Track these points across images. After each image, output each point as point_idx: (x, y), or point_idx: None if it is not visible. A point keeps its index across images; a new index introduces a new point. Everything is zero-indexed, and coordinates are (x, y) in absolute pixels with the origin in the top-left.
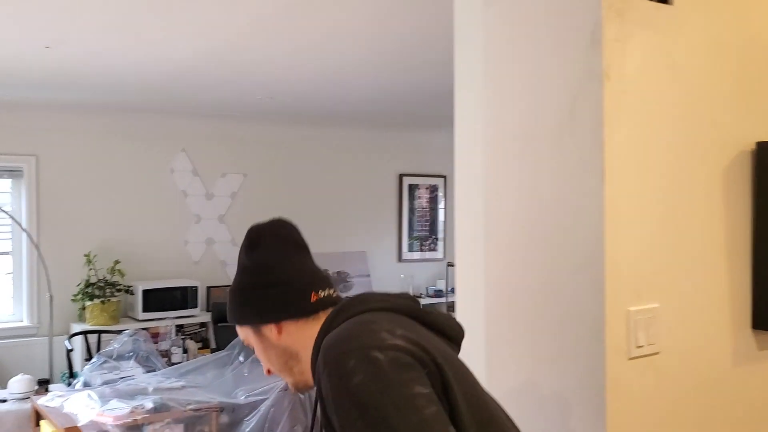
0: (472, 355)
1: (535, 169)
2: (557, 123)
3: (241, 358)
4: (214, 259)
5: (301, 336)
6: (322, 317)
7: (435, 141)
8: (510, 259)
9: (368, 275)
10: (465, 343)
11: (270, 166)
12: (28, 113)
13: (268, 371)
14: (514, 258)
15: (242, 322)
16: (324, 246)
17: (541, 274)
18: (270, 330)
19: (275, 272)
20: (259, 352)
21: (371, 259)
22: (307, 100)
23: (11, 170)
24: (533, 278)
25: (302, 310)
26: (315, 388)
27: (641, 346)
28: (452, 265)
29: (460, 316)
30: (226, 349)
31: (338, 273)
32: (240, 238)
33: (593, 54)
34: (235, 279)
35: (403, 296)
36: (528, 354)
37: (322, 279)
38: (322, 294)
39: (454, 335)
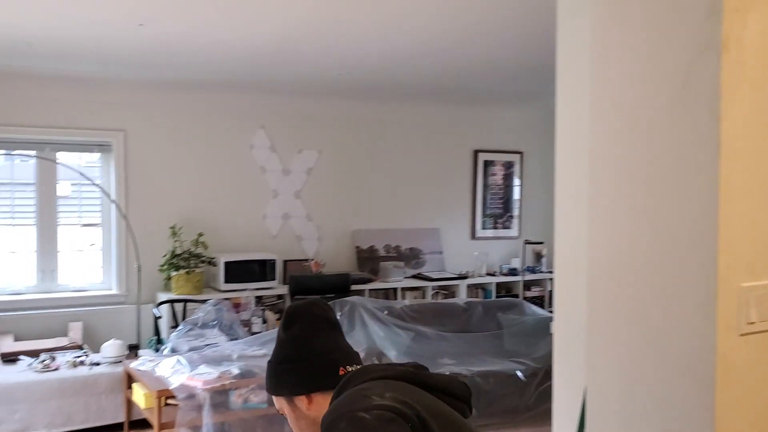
0: (570, 327)
1: (646, 143)
2: (670, 96)
3: None
4: (290, 233)
5: (322, 407)
6: (328, 394)
7: (512, 117)
8: (615, 232)
9: (441, 252)
10: (563, 318)
11: (345, 142)
12: (117, 90)
13: None
14: (620, 232)
15: (277, 393)
16: (397, 222)
17: (649, 248)
18: (301, 401)
19: (307, 348)
20: (291, 422)
21: (444, 236)
22: (384, 76)
23: (101, 145)
24: (640, 252)
25: (331, 384)
26: None
27: (753, 323)
28: (530, 243)
29: (559, 292)
30: None
31: (411, 250)
32: (314, 214)
33: (711, 24)
34: (273, 352)
35: (407, 365)
36: (633, 328)
37: (350, 355)
38: (349, 369)
39: (459, 393)
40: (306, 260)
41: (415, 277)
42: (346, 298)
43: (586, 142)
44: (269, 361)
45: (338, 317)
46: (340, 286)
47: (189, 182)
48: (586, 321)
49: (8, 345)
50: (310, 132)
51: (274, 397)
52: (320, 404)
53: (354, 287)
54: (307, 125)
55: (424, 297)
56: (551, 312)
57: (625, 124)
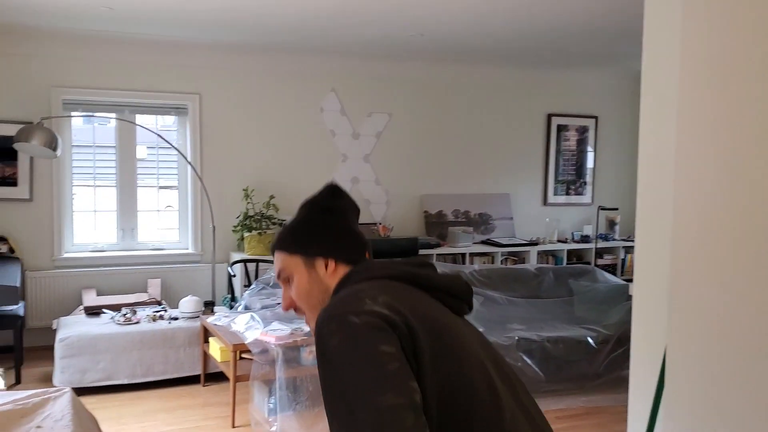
0: (651, 290)
1: (738, 101)
2: (766, 50)
3: None
4: (358, 197)
5: (339, 273)
6: (342, 268)
7: (587, 80)
8: (702, 193)
9: (511, 218)
10: (644, 280)
11: (415, 105)
12: (193, 53)
13: (288, 307)
14: (707, 192)
15: (299, 251)
16: (466, 187)
17: (737, 208)
18: (322, 265)
19: (345, 221)
20: (298, 285)
21: (515, 202)
22: (457, 37)
23: (177, 107)
24: (728, 212)
25: (354, 260)
26: None
27: None
28: (605, 209)
29: (639, 254)
30: None
31: (480, 215)
32: (383, 178)
33: None
34: (304, 214)
35: (410, 263)
36: (718, 290)
37: (370, 246)
38: (368, 257)
39: (459, 293)
40: (374, 224)
41: (484, 242)
42: None
43: (672, 103)
44: (295, 221)
45: None
46: (409, 250)
47: (260, 145)
48: (668, 283)
49: (92, 299)
50: (380, 95)
51: (283, 255)
52: (338, 275)
53: (422, 252)
54: (377, 88)
55: (492, 263)
56: (625, 280)
57: (717, 80)
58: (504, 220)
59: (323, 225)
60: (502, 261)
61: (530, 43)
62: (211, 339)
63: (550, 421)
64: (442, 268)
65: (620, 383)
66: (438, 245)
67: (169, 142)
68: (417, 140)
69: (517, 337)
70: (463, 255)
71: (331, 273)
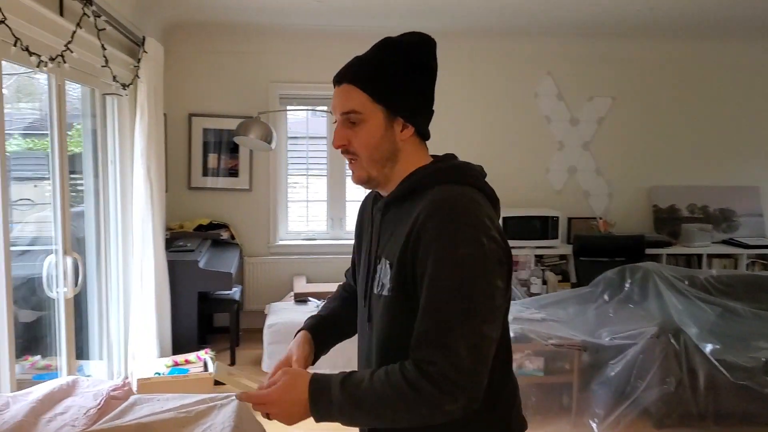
0: None
1: None
2: None
3: (605, 297)
4: (576, 188)
5: (414, 150)
6: (425, 148)
7: None
8: None
9: (760, 215)
10: None
11: (643, 87)
12: None
13: (342, 147)
14: None
15: (384, 101)
16: (704, 179)
17: None
18: (400, 125)
19: (433, 92)
20: (369, 134)
21: (765, 197)
22: (693, 10)
23: None
24: None
25: (426, 133)
26: (380, 200)
27: None
28: None
29: None
30: (589, 285)
31: (721, 211)
32: (605, 168)
33: None
34: (401, 62)
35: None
36: None
37: None
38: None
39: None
40: (593, 218)
41: (725, 242)
42: (639, 264)
43: None
44: (386, 64)
45: (628, 285)
46: (633, 249)
47: (471, 133)
48: None
49: (301, 286)
50: (602, 77)
51: (359, 99)
52: (411, 142)
53: (649, 251)
54: (598, 70)
55: (735, 267)
56: None
57: None
58: (751, 216)
59: (420, 85)
60: (747, 265)
61: None
62: None
63: None
64: (666, 269)
65: None
66: (669, 244)
67: None
68: (646, 125)
69: (764, 359)
70: (699, 256)
71: (405, 138)
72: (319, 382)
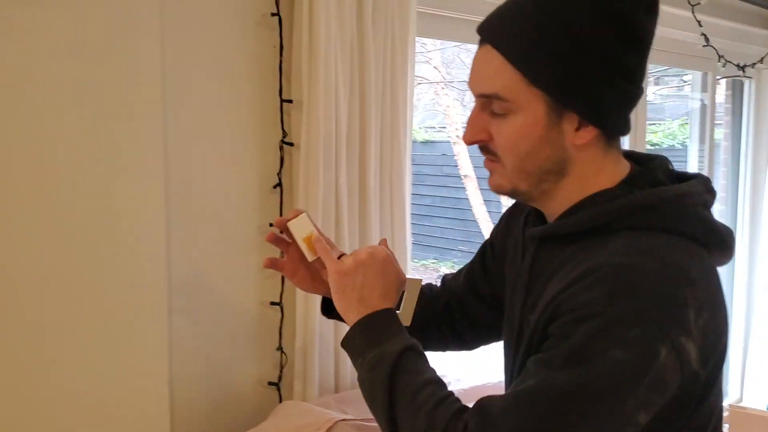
0: None
1: None
2: None
3: None
4: None
5: (595, 160)
6: (615, 156)
7: None
8: None
9: None
10: None
11: None
12: None
13: (476, 142)
14: None
15: (545, 84)
16: None
17: None
18: (573, 125)
19: (641, 61)
20: (517, 132)
21: None
22: None
23: None
24: None
25: (620, 130)
26: (533, 221)
27: None
28: None
29: None
30: None
31: None
32: None
33: None
34: (590, 16)
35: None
36: None
37: None
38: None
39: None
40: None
41: None
42: None
43: None
44: (565, 29)
45: None
46: None
47: None
48: None
49: None
50: None
51: (506, 73)
52: (595, 152)
53: None
54: None
55: None
56: None
57: None
58: None
59: (616, 58)
60: None
61: None
62: None
63: None
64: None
65: None
66: None
67: None
68: None
69: None
70: None
71: (582, 143)
72: (384, 319)
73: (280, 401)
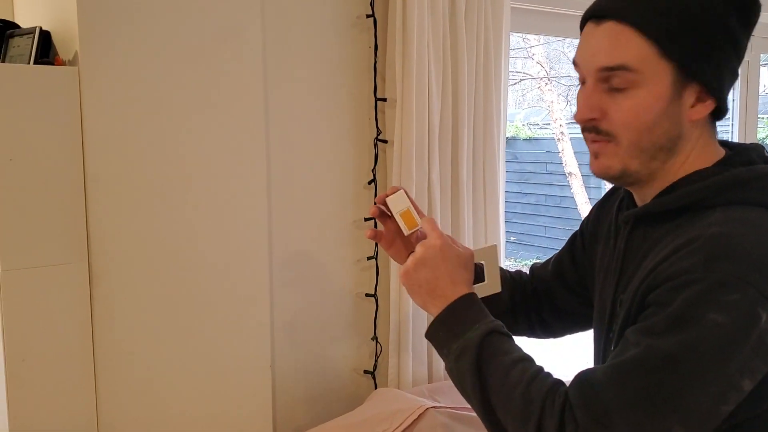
0: None
1: None
2: None
3: None
4: None
5: (703, 138)
6: (714, 137)
7: None
8: None
9: None
10: None
11: None
12: None
13: (589, 119)
14: None
15: (683, 52)
16: None
17: None
18: (693, 96)
19: (747, 40)
20: (642, 105)
21: None
22: None
23: None
24: None
25: (725, 110)
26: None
27: None
28: None
29: None
30: None
31: None
32: None
33: None
34: (717, 2)
35: None
36: None
37: None
38: None
39: None
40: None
41: None
42: None
43: None
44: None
45: None
46: None
47: None
48: None
49: None
50: None
51: (633, 44)
52: (704, 129)
53: None
54: None
55: None
56: None
57: None
58: None
59: (734, 31)
60: None
61: None
62: None
63: None
64: None
65: None
66: None
67: None
68: None
69: None
70: None
71: (697, 117)
72: (462, 308)
73: (375, 389)
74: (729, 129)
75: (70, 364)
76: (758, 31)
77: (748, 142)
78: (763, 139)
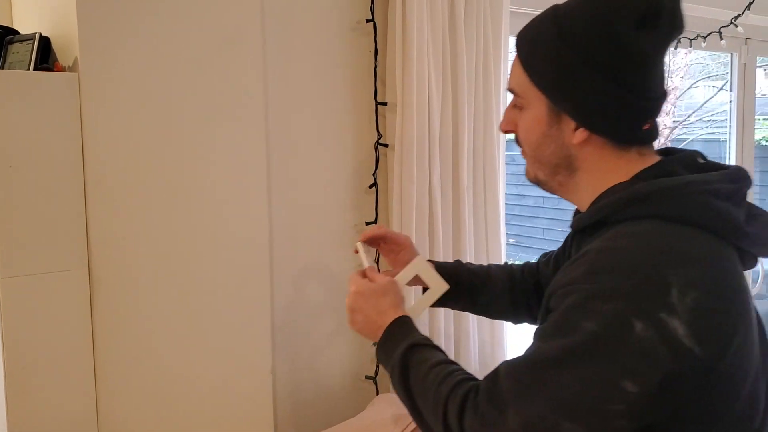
0: None
1: None
2: None
3: None
4: None
5: (603, 159)
6: (633, 155)
7: None
8: None
9: None
10: None
11: None
12: None
13: (508, 131)
14: None
15: (543, 87)
16: None
17: None
18: (571, 125)
19: (642, 75)
20: (528, 127)
21: None
22: None
23: None
24: None
25: (628, 138)
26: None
27: None
28: None
29: None
30: None
31: None
32: None
33: None
34: (583, 40)
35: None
36: None
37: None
38: (650, 125)
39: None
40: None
41: None
42: None
43: None
44: (562, 39)
45: None
46: None
47: None
48: None
49: None
50: None
51: (519, 75)
52: (600, 152)
53: None
54: None
55: None
56: None
57: None
58: None
59: (608, 73)
60: None
61: None
62: None
63: None
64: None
65: None
66: None
67: None
68: None
69: None
70: None
71: (578, 142)
72: (390, 333)
73: (377, 394)
74: (726, 131)
75: (70, 371)
76: (753, 34)
77: (688, 148)
78: (760, 140)
